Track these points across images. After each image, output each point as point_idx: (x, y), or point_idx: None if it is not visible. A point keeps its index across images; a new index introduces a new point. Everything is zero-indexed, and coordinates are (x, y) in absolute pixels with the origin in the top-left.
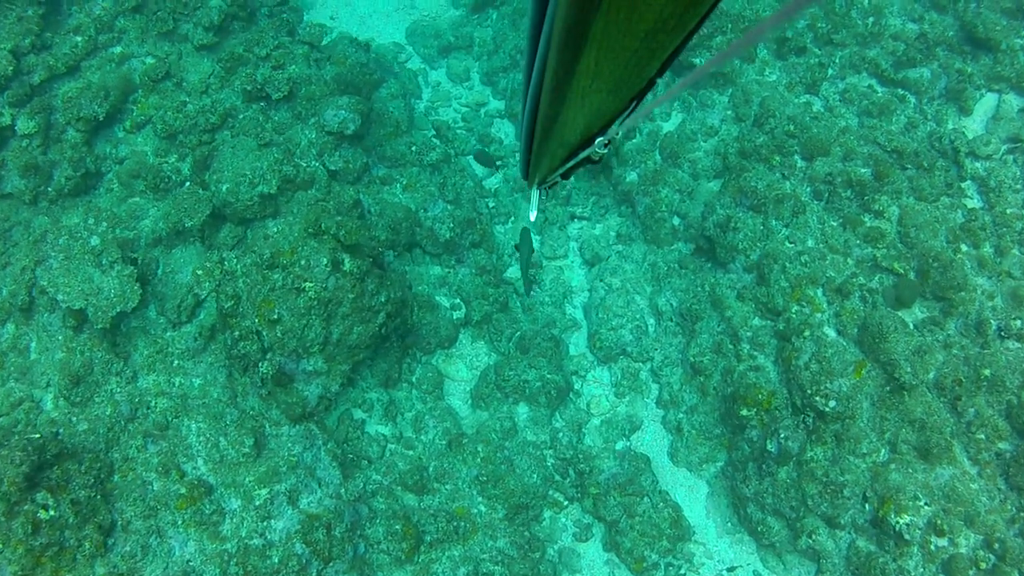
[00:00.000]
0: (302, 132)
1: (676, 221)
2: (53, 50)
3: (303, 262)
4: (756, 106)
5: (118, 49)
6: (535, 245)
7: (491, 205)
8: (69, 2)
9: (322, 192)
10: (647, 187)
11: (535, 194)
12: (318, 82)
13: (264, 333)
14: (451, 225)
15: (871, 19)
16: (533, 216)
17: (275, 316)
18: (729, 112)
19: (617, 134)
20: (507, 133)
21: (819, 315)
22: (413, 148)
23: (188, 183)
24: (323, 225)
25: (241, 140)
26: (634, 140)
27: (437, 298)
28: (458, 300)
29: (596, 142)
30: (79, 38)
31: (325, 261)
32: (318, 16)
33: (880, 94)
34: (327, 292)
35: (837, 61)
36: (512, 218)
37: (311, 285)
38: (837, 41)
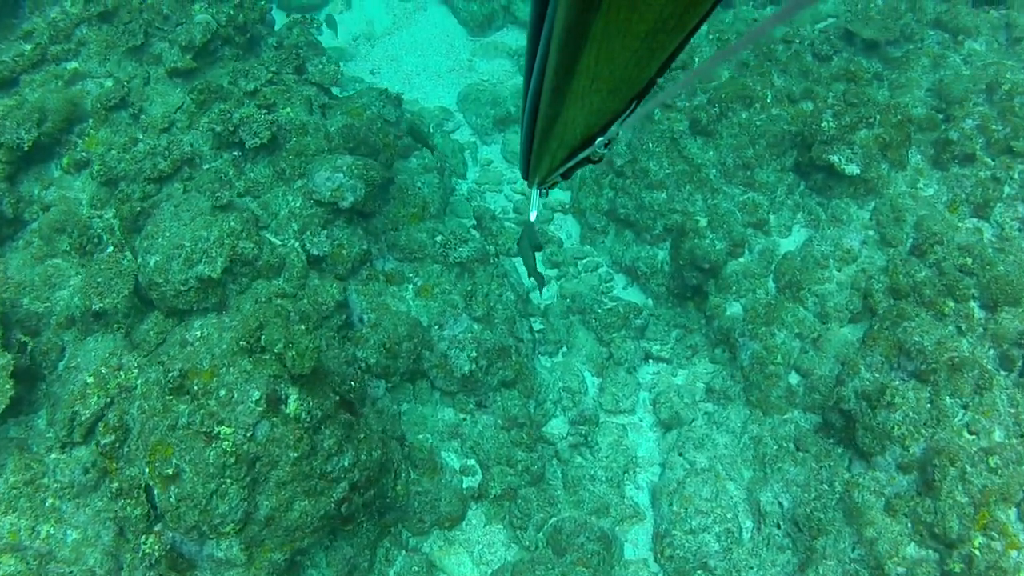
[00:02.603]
0: (283, 197)
1: (794, 379)
2: None
3: (223, 392)
4: (910, 228)
5: (72, 65)
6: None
7: (536, 328)
8: (31, 2)
9: (292, 284)
10: (755, 327)
11: (535, 194)
12: (316, 133)
13: (156, 491)
14: (475, 353)
15: None
16: (533, 216)
17: (172, 470)
18: (872, 232)
19: (617, 134)
20: (569, 233)
21: (1016, 554)
22: (438, 239)
23: (111, 248)
24: (265, 338)
25: (191, 198)
26: (741, 259)
27: (443, 455)
28: (472, 461)
29: (596, 142)
30: (28, 46)
31: (257, 396)
32: (357, 69)
33: None
34: (254, 445)
35: (1016, 177)
36: (563, 347)
37: (229, 431)
38: (1018, 150)
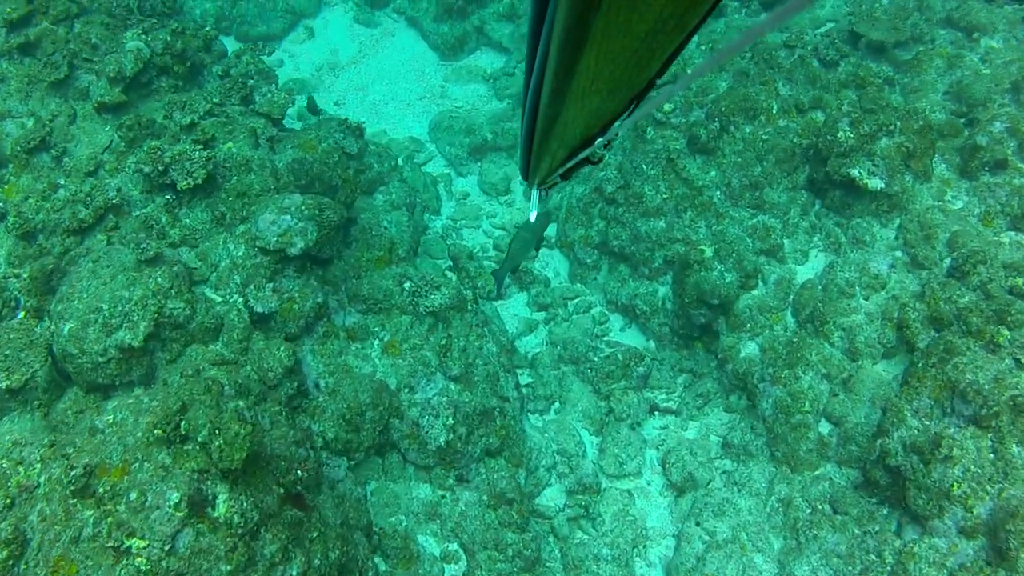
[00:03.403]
0: (223, 246)
1: (824, 428)
2: None
3: (135, 495)
4: (943, 246)
5: None
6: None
7: (524, 383)
8: None
9: (233, 349)
10: (776, 370)
11: (535, 194)
12: (261, 170)
13: None
14: (451, 420)
15: None
16: (533, 216)
17: None
18: (900, 254)
19: (616, 135)
20: (557, 270)
21: None
22: (406, 285)
23: (21, 314)
24: (187, 424)
25: (113, 252)
26: (754, 291)
27: (421, 539)
28: (455, 546)
29: (596, 142)
30: None
31: (176, 498)
32: (321, 101)
33: None
34: (175, 560)
35: None
36: (556, 403)
37: (142, 544)
38: None
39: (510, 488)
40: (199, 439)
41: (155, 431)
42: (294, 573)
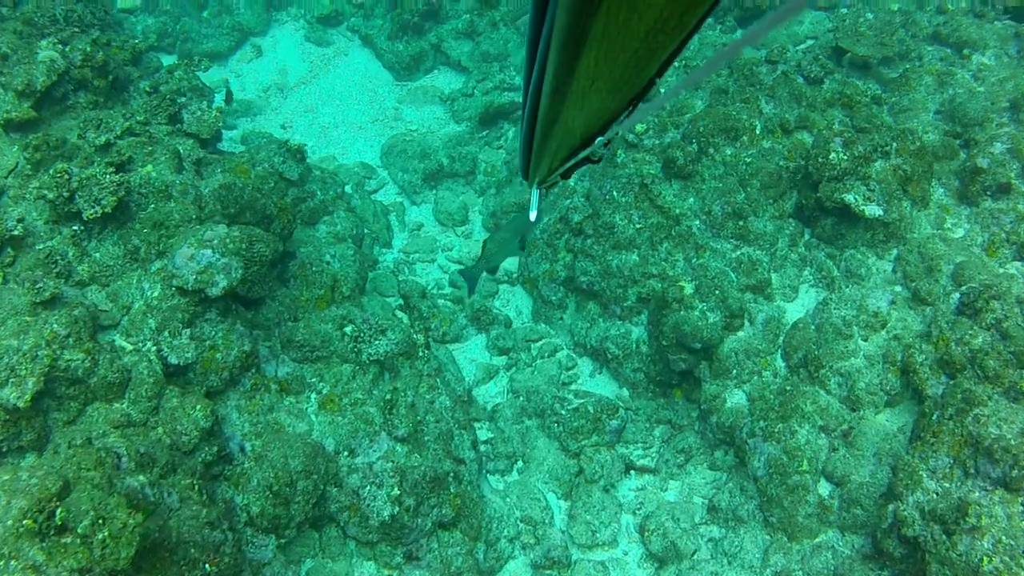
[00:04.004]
0: (137, 285)
1: (825, 489)
2: None
3: None
4: (947, 279)
5: None
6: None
7: (483, 439)
8: None
9: (141, 408)
10: (769, 423)
11: (535, 194)
12: (183, 197)
13: None
14: (397, 491)
15: None
16: (533, 216)
17: None
18: (900, 288)
19: (617, 134)
20: (519, 309)
21: None
22: (348, 329)
23: None
24: (63, 513)
25: (4, 293)
26: (740, 332)
27: None
28: None
29: (596, 142)
30: None
31: None
32: (267, 124)
33: None
34: None
35: None
36: (519, 462)
37: None
38: None
39: (467, 566)
40: (79, 530)
41: (26, 520)
42: None
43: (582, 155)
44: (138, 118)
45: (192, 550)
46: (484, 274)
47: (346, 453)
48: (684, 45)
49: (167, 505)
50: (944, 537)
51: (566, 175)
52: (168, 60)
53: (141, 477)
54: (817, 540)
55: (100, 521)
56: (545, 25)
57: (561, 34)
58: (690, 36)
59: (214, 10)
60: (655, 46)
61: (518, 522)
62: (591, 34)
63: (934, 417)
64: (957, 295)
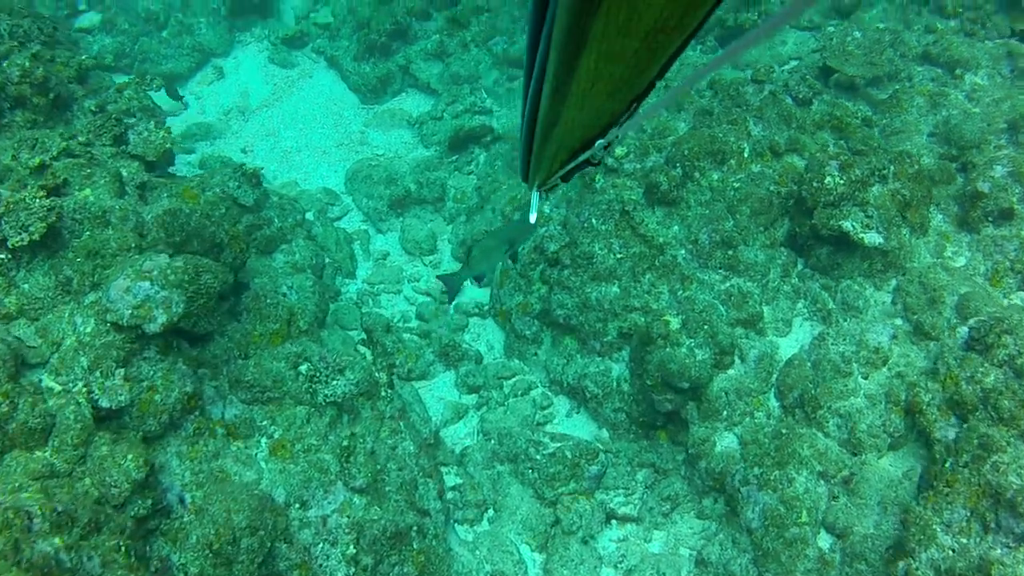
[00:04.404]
0: (69, 320)
1: (825, 542)
2: None
3: None
4: (951, 311)
5: None
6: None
7: (451, 486)
8: None
9: (66, 456)
10: (764, 470)
11: (535, 197)
12: (122, 223)
13: None
14: (353, 549)
15: None
16: (533, 218)
17: None
18: (900, 321)
19: (617, 136)
20: (491, 342)
21: None
22: (302, 368)
23: None
24: None
25: None
26: (730, 370)
27: None
28: None
29: (596, 144)
30: None
31: None
32: (227, 148)
33: None
34: None
35: None
36: (490, 510)
37: None
38: None
39: None
40: None
41: None
42: None
43: (582, 158)
44: (80, 139)
45: None
46: (467, 283)
47: (297, 505)
48: (685, 47)
49: (86, 571)
50: None
51: (566, 178)
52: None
53: (56, 540)
54: None
55: None
56: (545, 26)
57: (561, 35)
58: (691, 37)
59: (174, 30)
60: (655, 47)
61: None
62: (591, 34)
63: (947, 464)
64: (965, 329)
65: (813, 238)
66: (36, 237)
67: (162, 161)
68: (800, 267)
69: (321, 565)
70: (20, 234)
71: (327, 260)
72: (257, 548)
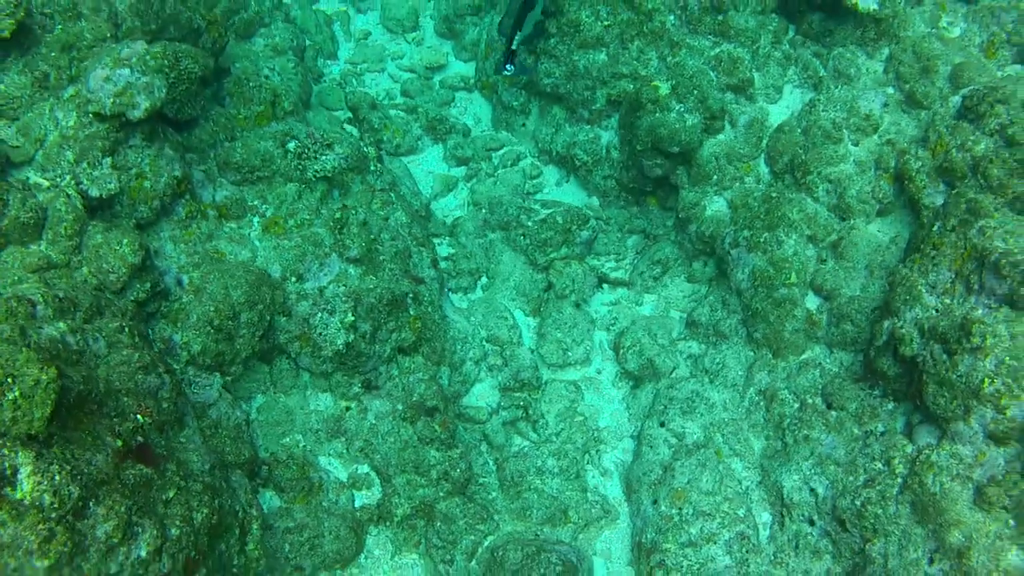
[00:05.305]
0: (50, 115)
1: (812, 303)
2: None
3: None
4: (944, 81)
5: None
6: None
7: (443, 256)
8: None
9: (61, 248)
10: (754, 232)
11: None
12: (95, 15)
13: None
14: (351, 317)
15: None
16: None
17: None
18: (892, 90)
19: None
20: (478, 115)
21: None
22: (291, 145)
23: None
24: None
25: None
26: (720, 136)
27: (322, 462)
28: (365, 468)
29: None
30: None
31: None
32: None
33: None
34: None
35: None
36: (483, 278)
37: None
38: None
39: (430, 393)
40: None
41: None
42: (142, 553)
43: None
44: None
45: (124, 399)
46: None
47: (294, 279)
48: None
49: (93, 352)
50: (945, 357)
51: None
52: None
53: (61, 324)
54: (804, 357)
55: (9, 379)
56: None
57: None
58: None
59: None
60: None
61: (484, 342)
62: None
63: (935, 228)
64: (958, 98)
65: (805, 4)
66: (6, 35)
67: None
68: (791, 34)
69: (320, 334)
70: None
71: (308, 43)
72: (257, 322)
